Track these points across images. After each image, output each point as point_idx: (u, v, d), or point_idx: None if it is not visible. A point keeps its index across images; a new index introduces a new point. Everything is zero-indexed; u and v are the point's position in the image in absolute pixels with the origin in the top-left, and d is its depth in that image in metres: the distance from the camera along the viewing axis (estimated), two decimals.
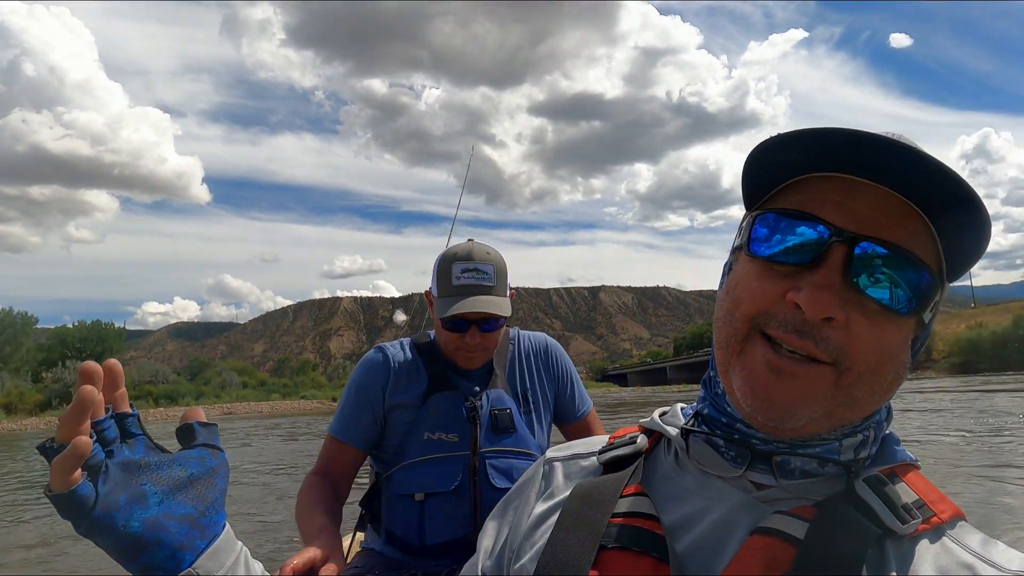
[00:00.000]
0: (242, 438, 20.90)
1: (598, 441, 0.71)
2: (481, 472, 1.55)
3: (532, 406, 1.71)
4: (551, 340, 1.84)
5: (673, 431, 0.63)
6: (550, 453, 0.72)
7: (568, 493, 0.63)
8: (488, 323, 1.58)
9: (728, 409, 0.58)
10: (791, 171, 0.53)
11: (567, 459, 0.70)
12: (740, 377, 0.53)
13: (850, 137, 0.48)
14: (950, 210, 0.48)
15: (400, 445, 1.60)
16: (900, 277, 0.49)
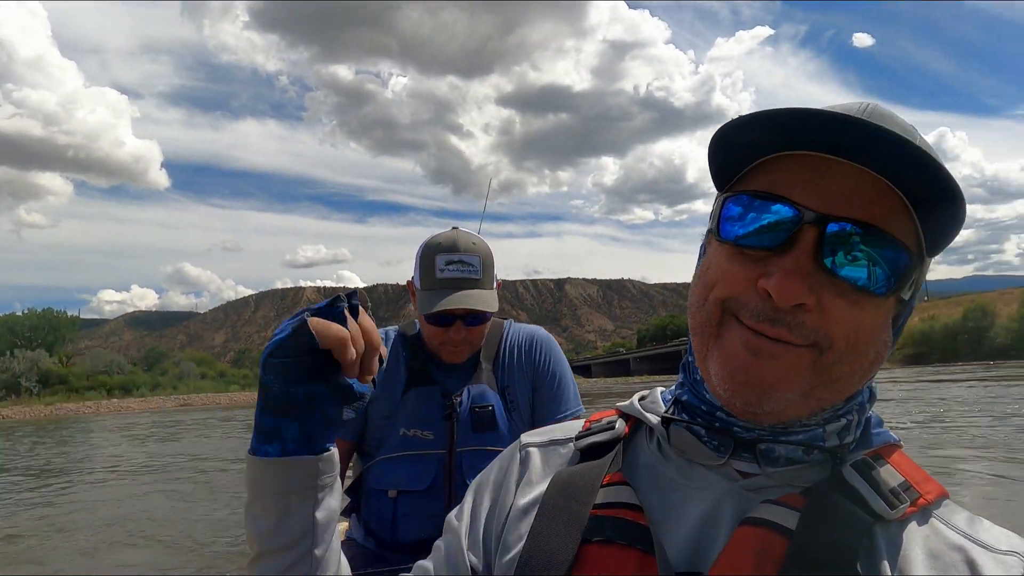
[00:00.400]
0: (201, 430, 20.23)
1: (575, 426, 0.69)
2: (457, 471, 1.50)
3: (513, 404, 1.63)
4: (541, 333, 1.74)
5: (654, 419, 0.62)
6: (525, 438, 0.70)
7: (547, 483, 0.61)
8: (474, 317, 1.52)
9: (707, 396, 0.57)
10: (760, 151, 0.52)
11: (544, 445, 0.68)
12: (717, 361, 0.52)
13: (820, 118, 0.46)
14: (925, 186, 0.47)
15: (379, 439, 1.56)
16: (876, 256, 0.48)
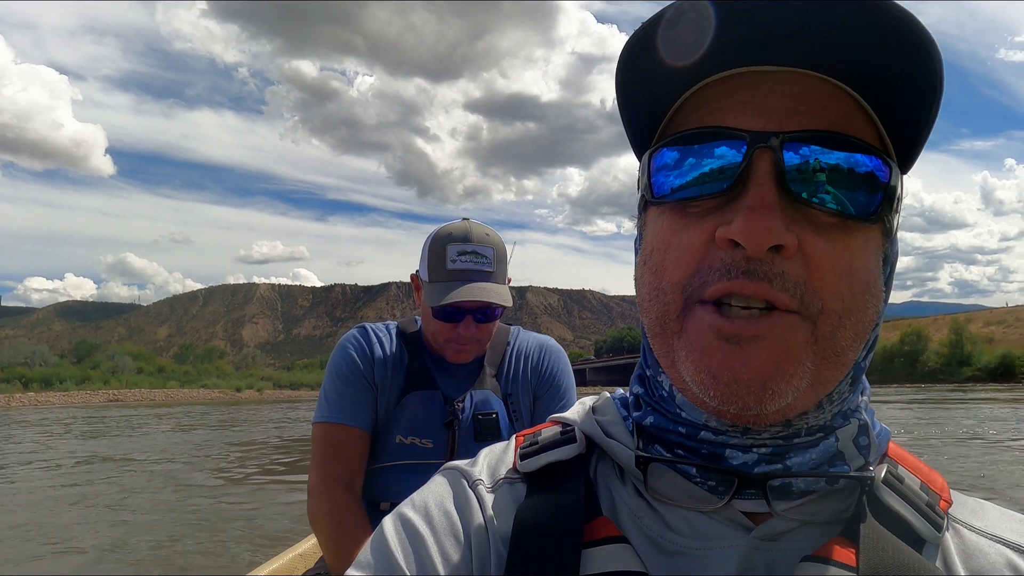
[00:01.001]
0: (125, 428, 18.93)
1: (509, 448, 0.54)
2: None
3: (516, 414, 1.53)
4: (552, 343, 1.64)
5: (624, 453, 0.48)
6: (464, 466, 0.53)
7: (507, 531, 0.45)
8: (485, 313, 1.43)
9: (682, 414, 0.46)
10: (674, 86, 0.44)
11: (491, 472, 0.51)
12: (691, 362, 0.41)
13: (725, 13, 0.38)
14: (880, 69, 0.39)
15: (373, 447, 1.46)
16: (847, 171, 0.40)
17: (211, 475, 9.57)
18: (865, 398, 0.48)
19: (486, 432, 1.44)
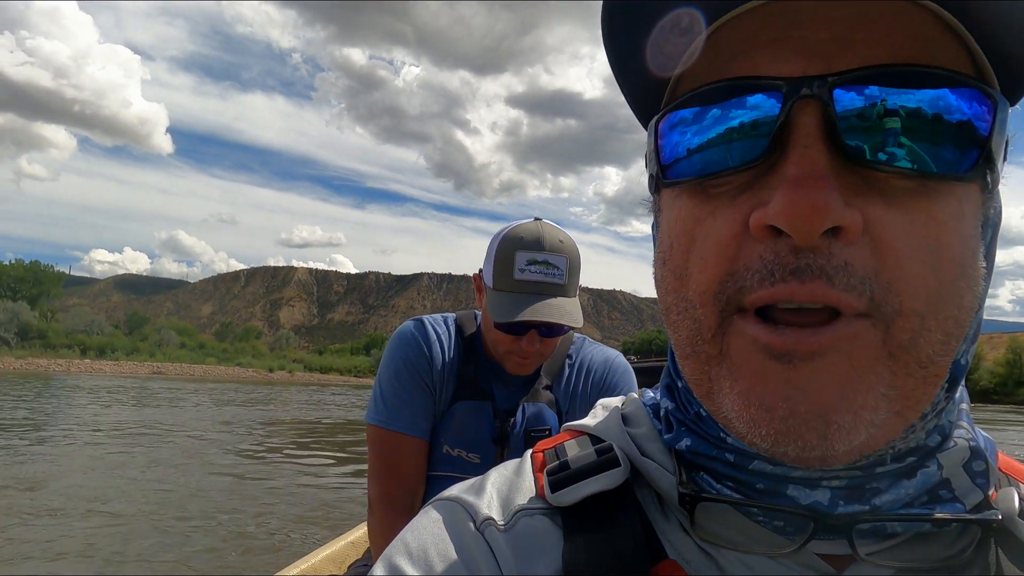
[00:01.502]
0: (164, 400, 21.04)
1: (524, 469, 0.43)
2: None
3: None
4: (620, 359, 1.50)
5: (665, 480, 0.38)
6: (467, 496, 0.41)
7: None
8: (550, 327, 1.30)
9: (728, 440, 0.36)
10: (685, 31, 0.32)
11: (503, 502, 0.41)
12: (736, 394, 0.31)
13: None
14: None
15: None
16: (931, 117, 0.28)
17: (227, 453, 10.32)
18: (965, 406, 0.37)
19: None
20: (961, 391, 0.36)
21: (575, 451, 0.42)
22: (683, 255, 0.32)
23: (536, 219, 1.37)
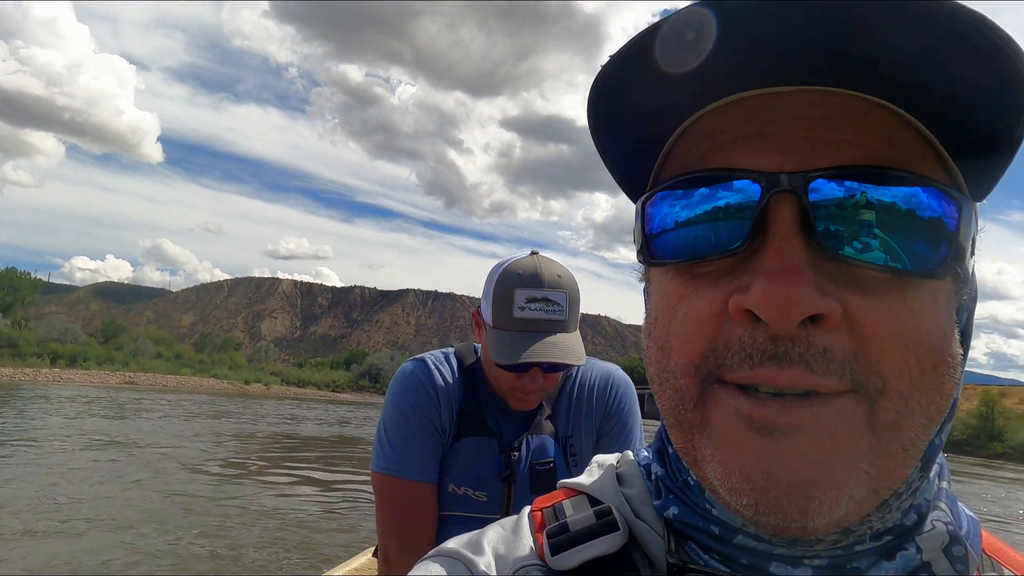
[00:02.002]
0: (130, 411, 20.57)
1: (522, 528, 0.43)
2: None
3: (575, 457, 1.40)
4: (619, 374, 1.48)
5: (656, 545, 0.39)
6: (467, 552, 0.42)
7: None
8: (555, 365, 1.28)
9: (714, 511, 0.36)
10: (665, 118, 0.34)
11: (501, 561, 0.41)
12: (718, 463, 0.32)
13: (726, 24, 0.29)
14: (937, 79, 0.29)
15: None
16: (900, 210, 0.30)
17: (181, 467, 10.26)
18: (945, 484, 0.38)
19: (542, 484, 1.32)
20: (943, 469, 0.37)
21: (573, 512, 0.42)
22: (666, 328, 0.34)
23: (533, 252, 1.37)
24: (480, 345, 1.44)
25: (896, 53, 0.28)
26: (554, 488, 1.27)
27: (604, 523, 0.40)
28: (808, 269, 0.29)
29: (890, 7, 0.26)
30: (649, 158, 0.37)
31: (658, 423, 0.43)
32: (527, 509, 0.45)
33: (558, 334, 1.28)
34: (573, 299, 1.32)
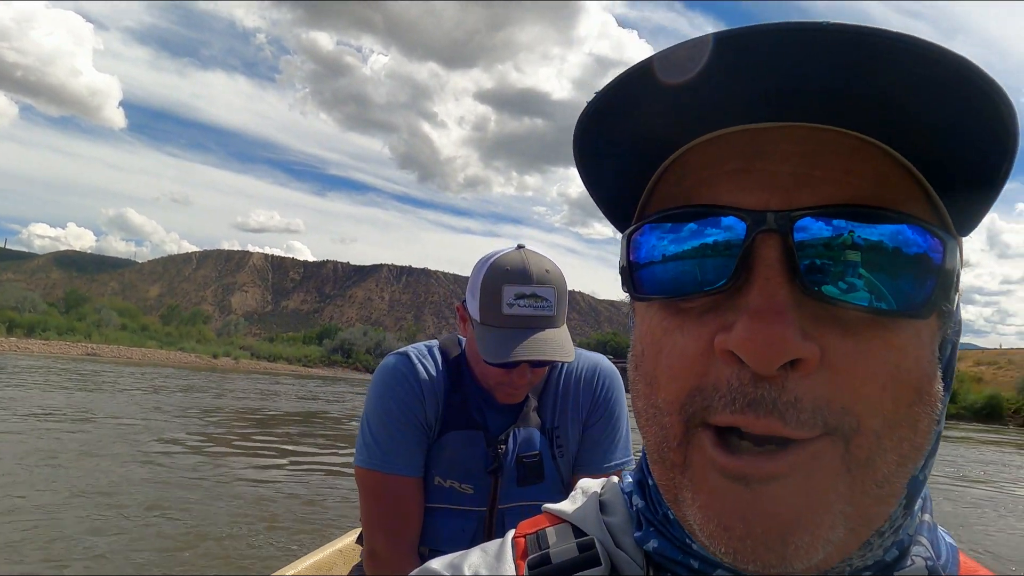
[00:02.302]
0: (90, 384, 20.00)
1: (505, 555, 0.43)
2: (498, 530, 1.32)
3: (561, 448, 1.40)
4: (606, 364, 1.48)
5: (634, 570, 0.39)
6: (447, 574, 0.43)
7: None
8: (543, 361, 1.28)
9: (693, 547, 0.37)
10: (650, 151, 0.35)
11: None
12: (698, 507, 0.32)
13: (718, 63, 0.29)
14: (924, 118, 0.30)
15: None
16: (886, 249, 0.30)
17: (144, 441, 10.06)
18: (928, 516, 0.38)
19: (530, 476, 1.33)
20: (927, 501, 0.37)
21: (556, 541, 0.42)
22: (652, 363, 0.34)
23: (519, 246, 1.36)
24: (464, 338, 1.42)
25: (885, 92, 0.29)
26: (541, 478, 1.19)
27: (587, 557, 0.40)
28: (791, 309, 0.29)
29: (879, 48, 0.27)
30: (636, 190, 0.37)
31: None
32: (511, 534, 0.45)
33: (547, 330, 1.28)
34: (561, 294, 1.31)
